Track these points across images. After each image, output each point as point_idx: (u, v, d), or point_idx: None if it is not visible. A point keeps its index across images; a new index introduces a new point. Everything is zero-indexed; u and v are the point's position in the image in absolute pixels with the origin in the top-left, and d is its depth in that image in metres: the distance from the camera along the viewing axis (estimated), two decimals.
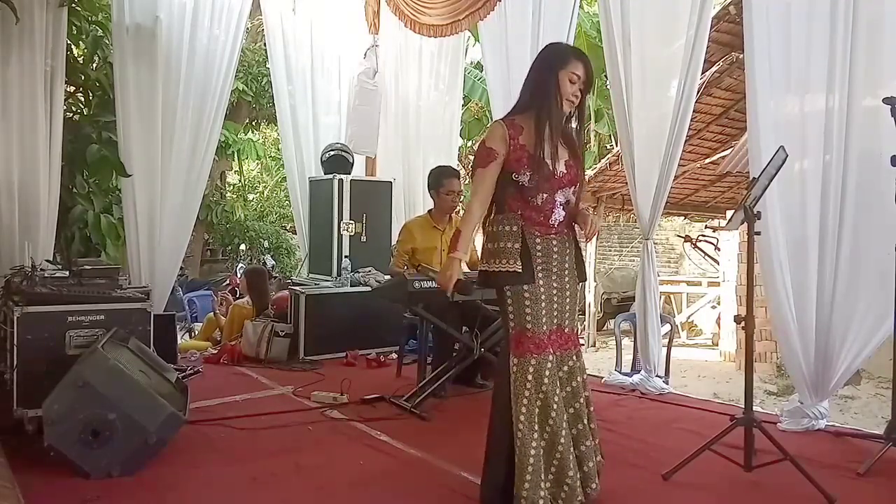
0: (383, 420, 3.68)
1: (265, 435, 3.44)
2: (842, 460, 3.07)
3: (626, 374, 4.54)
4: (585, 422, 2.56)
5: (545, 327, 2.51)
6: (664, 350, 4.50)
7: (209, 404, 3.88)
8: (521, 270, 2.50)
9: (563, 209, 2.59)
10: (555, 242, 2.58)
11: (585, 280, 2.67)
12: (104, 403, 2.79)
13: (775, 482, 2.76)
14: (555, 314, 2.56)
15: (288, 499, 2.71)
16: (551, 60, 2.59)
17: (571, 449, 2.48)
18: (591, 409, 2.65)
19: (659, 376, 4.36)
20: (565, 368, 2.57)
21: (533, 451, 2.41)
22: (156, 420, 2.86)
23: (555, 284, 2.57)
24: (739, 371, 7.24)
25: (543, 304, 2.53)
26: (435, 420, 3.71)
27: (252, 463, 3.04)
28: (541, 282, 2.53)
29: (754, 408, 2.88)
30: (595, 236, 2.53)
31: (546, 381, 2.47)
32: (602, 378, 4.71)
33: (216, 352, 5.39)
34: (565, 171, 2.57)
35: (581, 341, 2.68)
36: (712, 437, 2.89)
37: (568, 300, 2.61)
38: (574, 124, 2.65)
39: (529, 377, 2.46)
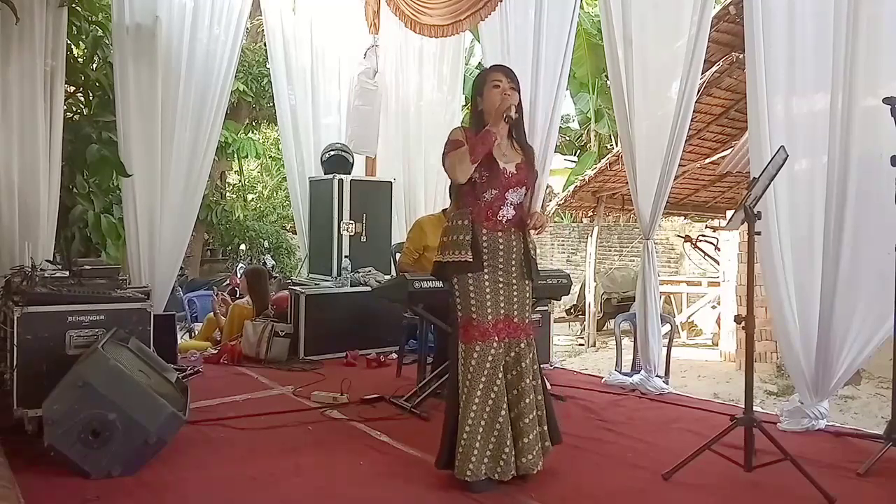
0: (383, 420, 3.68)
1: (265, 435, 3.44)
2: (842, 460, 3.07)
3: (626, 374, 4.54)
4: (527, 401, 2.77)
5: (490, 316, 2.76)
6: (664, 350, 4.51)
7: (209, 404, 3.87)
8: (471, 260, 2.76)
9: (514, 209, 2.84)
10: (500, 239, 2.82)
11: (534, 280, 2.91)
12: (104, 403, 2.78)
13: (775, 482, 2.76)
14: (501, 305, 2.80)
15: (288, 499, 2.71)
16: (476, 83, 2.97)
17: (510, 427, 2.72)
18: (539, 396, 2.85)
19: (659, 376, 4.36)
20: (512, 354, 2.81)
21: (468, 428, 2.67)
22: (156, 420, 2.86)
23: (500, 278, 2.82)
24: (739, 371, 7.23)
25: (488, 295, 2.78)
26: (435, 420, 3.69)
27: (252, 463, 3.04)
28: (486, 274, 2.79)
29: (754, 408, 2.89)
30: (543, 227, 2.90)
31: (489, 364, 2.73)
32: (602, 378, 4.72)
33: (216, 352, 5.39)
34: (515, 172, 2.84)
35: (532, 330, 2.93)
36: (712, 437, 2.89)
37: (515, 294, 2.84)
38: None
39: (473, 361, 2.72)
